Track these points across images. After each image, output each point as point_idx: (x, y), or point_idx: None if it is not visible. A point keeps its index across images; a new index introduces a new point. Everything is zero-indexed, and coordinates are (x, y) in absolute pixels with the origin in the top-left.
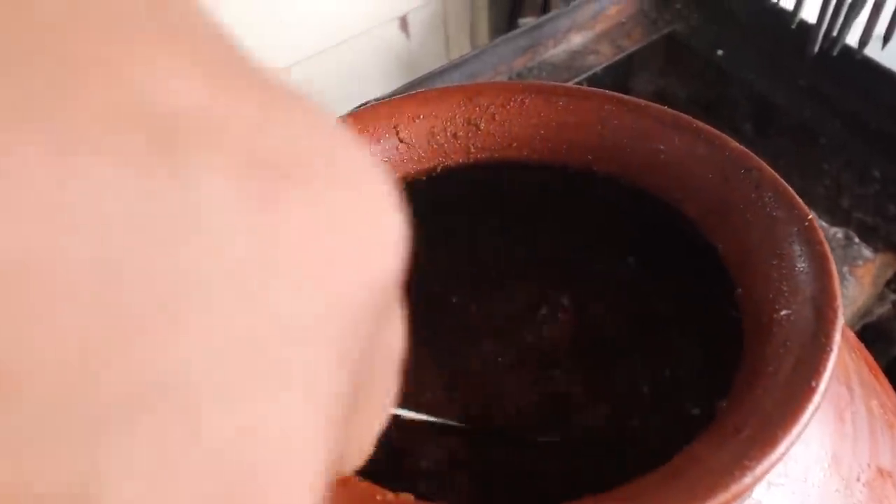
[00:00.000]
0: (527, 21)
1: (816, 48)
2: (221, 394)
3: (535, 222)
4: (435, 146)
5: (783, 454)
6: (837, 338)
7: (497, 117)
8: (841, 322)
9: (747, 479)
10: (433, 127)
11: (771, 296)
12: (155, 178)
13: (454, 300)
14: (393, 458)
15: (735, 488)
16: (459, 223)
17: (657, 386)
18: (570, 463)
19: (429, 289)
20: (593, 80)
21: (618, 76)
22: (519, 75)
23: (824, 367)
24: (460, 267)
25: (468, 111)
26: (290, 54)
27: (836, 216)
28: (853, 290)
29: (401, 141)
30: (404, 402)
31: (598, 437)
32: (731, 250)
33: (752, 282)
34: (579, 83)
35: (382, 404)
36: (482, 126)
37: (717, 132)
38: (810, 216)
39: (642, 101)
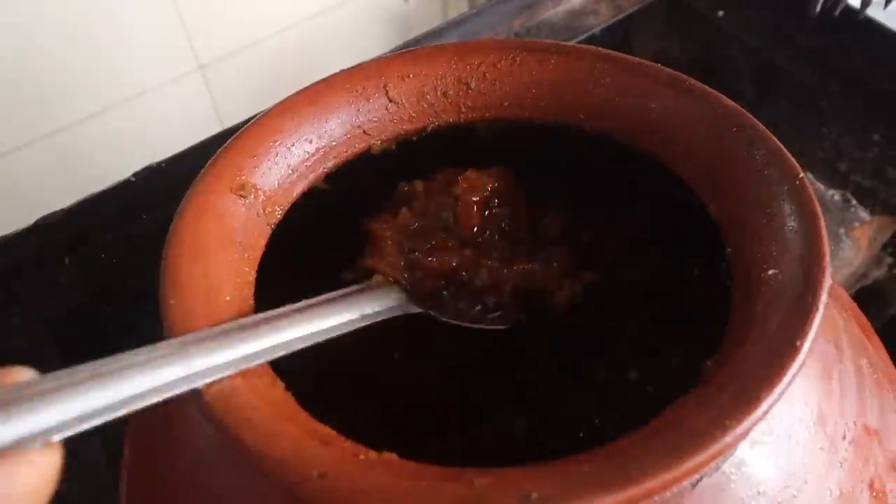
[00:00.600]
0: None
1: (818, 9)
2: None
3: (526, 180)
4: (425, 105)
5: (765, 413)
6: (824, 297)
7: (488, 76)
8: (828, 282)
9: (728, 439)
10: (423, 86)
11: (760, 255)
12: None
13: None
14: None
15: (715, 448)
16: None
17: (644, 348)
18: (561, 415)
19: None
20: (592, 41)
21: (617, 37)
22: (517, 35)
23: (809, 326)
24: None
25: (459, 70)
26: (287, 18)
27: (834, 180)
28: (849, 252)
29: (390, 100)
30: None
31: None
32: (722, 209)
33: (741, 241)
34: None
35: None
36: (473, 85)
37: (710, 89)
38: (801, 174)
39: (635, 59)
